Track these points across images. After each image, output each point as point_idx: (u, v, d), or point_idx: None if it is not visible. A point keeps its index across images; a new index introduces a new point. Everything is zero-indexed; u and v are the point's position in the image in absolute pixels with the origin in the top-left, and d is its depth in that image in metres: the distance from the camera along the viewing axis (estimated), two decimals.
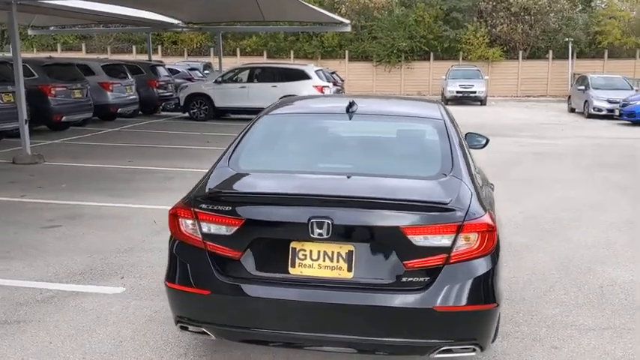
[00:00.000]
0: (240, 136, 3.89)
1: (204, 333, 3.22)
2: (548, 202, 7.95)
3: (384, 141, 4.02)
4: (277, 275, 3.05)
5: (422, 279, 2.93)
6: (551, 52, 33.51)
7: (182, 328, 3.29)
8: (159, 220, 6.89)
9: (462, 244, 2.93)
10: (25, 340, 3.93)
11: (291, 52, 35.38)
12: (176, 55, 36.18)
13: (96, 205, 7.56)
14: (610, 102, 20.95)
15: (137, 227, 6.64)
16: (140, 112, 19.33)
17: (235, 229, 3.06)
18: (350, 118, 3.97)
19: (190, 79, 23.65)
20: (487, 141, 5.32)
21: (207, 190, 3.24)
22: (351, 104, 3.97)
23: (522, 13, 33.54)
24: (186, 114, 19.17)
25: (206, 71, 29.03)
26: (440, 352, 2.97)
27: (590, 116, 21.28)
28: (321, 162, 3.71)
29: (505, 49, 33.89)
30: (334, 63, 32.91)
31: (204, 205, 3.15)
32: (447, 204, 2.98)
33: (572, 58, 32.62)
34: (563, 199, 8.18)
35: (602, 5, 35.44)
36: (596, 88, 22.18)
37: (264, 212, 3.08)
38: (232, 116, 19.48)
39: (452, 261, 2.93)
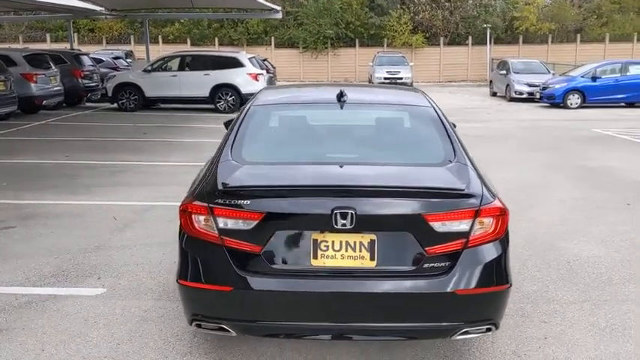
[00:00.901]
0: (236, 127, 3.83)
1: (222, 330, 3.16)
2: (499, 184, 8.28)
3: (382, 129, 4.07)
4: (300, 267, 3.04)
5: (443, 264, 3.01)
6: (470, 38, 34.67)
7: (198, 326, 3.22)
8: (118, 216, 6.69)
9: (478, 229, 3.03)
10: (15, 348, 3.73)
11: (216, 39, 34.76)
12: (94, 44, 34.69)
13: (46, 203, 7.20)
14: (530, 85, 22.01)
15: (97, 225, 6.39)
16: (64, 104, 18.43)
17: (255, 223, 3.02)
18: (341, 108, 4.00)
19: (116, 69, 22.79)
20: (455, 126, 5.48)
21: (221, 185, 3.17)
22: (342, 94, 4.00)
23: (442, 0, 34.47)
24: (115, 105, 18.46)
25: (128, 59, 28.06)
26: (461, 334, 3.08)
27: (512, 99, 22.29)
28: (327, 152, 3.71)
29: (427, 35, 34.76)
30: (260, 50, 32.61)
31: (220, 200, 3.08)
32: (463, 190, 3.08)
33: (490, 43, 33.90)
34: (509, 180, 8.56)
35: None
36: (517, 73, 23.23)
37: (286, 205, 3.05)
38: (162, 106, 18.98)
39: (470, 245, 3.03)
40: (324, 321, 3.05)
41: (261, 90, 4.84)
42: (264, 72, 19.66)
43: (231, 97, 18.50)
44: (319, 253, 3.02)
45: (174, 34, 34.72)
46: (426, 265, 3.00)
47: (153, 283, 4.78)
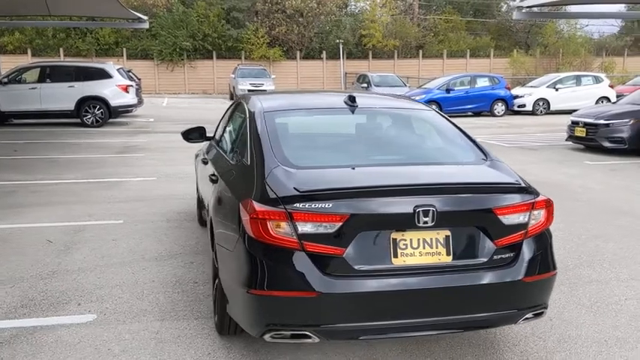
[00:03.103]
0: (258, 134, 3.74)
1: (303, 337, 3.10)
2: None
3: (402, 132, 4.24)
4: (382, 267, 3.09)
5: (508, 255, 3.24)
6: (324, 52, 36.00)
7: (274, 337, 3.12)
8: (51, 237, 6.13)
9: (533, 220, 3.31)
10: None
11: (61, 50, 32.48)
12: None
13: None
14: None
15: (33, 249, 5.79)
16: None
17: (339, 225, 3.02)
18: (352, 112, 4.12)
19: None
20: None
21: (296, 190, 3.11)
22: (353, 99, 4.14)
23: (296, 16, 35.44)
24: None
25: None
26: (524, 319, 3.33)
27: None
28: (369, 155, 3.79)
29: (284, 49, 35.50)
30: (112, 62, 31.06)
31: (299, 205, 3.03)
32: (521, 185, 3.35)
33: (343, 58, 35.52)
34: None
35: (367, 9, 38.91)
36: (377, 85, 24.61)
37: (370, 205, 3.07)
38: (16, 122, 17.40)
39: (528, 235, 3.30)
40: (408, 318, 3.12)
41: (250, 96, 4.75)
42: (133, 83, 18.83)
43: (99, 110, 17.48)
44: (399, 251, 3.10)
45: (13, 44, 31.84)
46: (495, 257, 3.21)
47: (144, 304, 4.47)
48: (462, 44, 38.47)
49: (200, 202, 6.44)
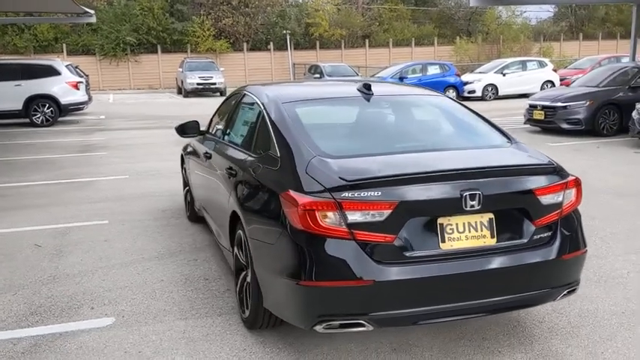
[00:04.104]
0: (280, 125, 3.70)
1: (355, 326, 3.10)
2: None
3: (422, 118, 4.27)
4: (431, 252, 3.11)
5: (547, 234, 3.33)
6: (272, 43, 35.76)
7: (327, 327, 3.11)
8: (37, 241, 5.90)
9: (566, 199, 3.41)
10: None
11: None
12: None
13: None
14: None
15: (24, 254, 5.55)
16: None
17: (389, 213, 3.02)
18: (368, 101, 4.14)
19: None
20: None
21: (341, 179, 3.08)
22: (368, 87, 4.15)
23: (242, 7, 35.03)
24: None
25: None
26: (562, 296, 3.43)
27: None
28: (398, 142, 3.80)
29: (231, 41, 35.04)
30: (43, 58, 29.91)
31: (347, 194, 3.01)
32: (554, 165, 3.44)
33: (291, 49, 35.38)
34: None
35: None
36: (330, 75, 24.68)
37: (419, 191, 3.08)
38: None
39: (563, 215, 3.39)
40: (458, 302, 3.15)
41: (254, 87, 4.67)
42: (83, 80, 18.21)
43: (48, 108, 16.83)
44: (446, 236, 3.13)
45: None
46: (535, 237, 3.29)
47: (160, 303, 4.36)
48: (407, 33, 39.00)
49: (191, 199, 6.32)
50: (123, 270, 5.08)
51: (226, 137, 4.87)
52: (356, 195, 3.02)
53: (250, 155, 4.00)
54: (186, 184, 6.70)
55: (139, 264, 5.23)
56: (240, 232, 3.89)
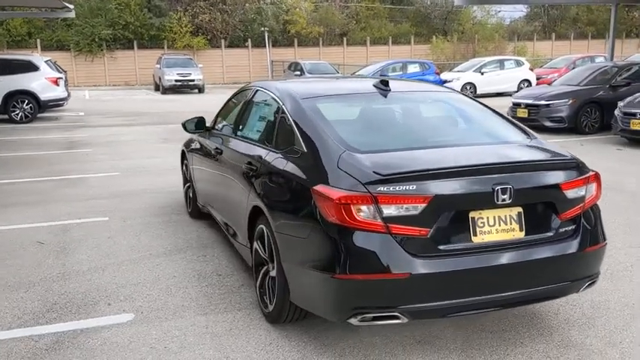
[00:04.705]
0: (309, 122, 3.73)
1: (390, 318, 3.15)
2: None
3: (444, 114, 4.34)
4: (464, 245, 3.18)
5: (571, 228, 3.42)
6: (250, 40, 35.61)
7: (361, 320, 3.15)
8: (39, 239, 5.83)
9: (588, 193, 3.51)
10: None
11: None
12: None
13: None
14: None
15: (28, 252, 5.48)
16: None
17: (423, 206, 3.08)
18: (385, 97, 4.20)
19: None
20: None
21: (375, 173, 3.12)
22: (385, 83, 4.22)
23: (220, 3, 34.82)
24: None
25: None
26: (584, 288, 3.53)
27: None
28: (423, 137, 3.86)
29: (209, 37, 34.80)
30: (21, 53, 29.36)
31: (383, 188, 3.06)
32: (577, 160, 3.54)
33: (269, 46, 35.29)
34: None
35: None
36: (310, 73, 24.71)
37: (452, 186, 3.14)
38: None
39: (585, 208, 3.49)
40: (488, 294, 3.22)
41: (268, 83, 4.69)
42: (63, 75, 17.92)
43: (28, 105, 16.54)
44: (477, 229, 3.20)
45: None
46: (560, 230, 3.38)
47: (176, 299, 4.35)
48: (384, 31, 39.23)
49: (194, 195, 6.30)
50: (133, 266, 5.05)
51: (239, 133, 4.87)
52: (391, 189, 3.07)
53: (271, 151, 4.02)
54: (187, 180, 6.67)
55: (147, 260, 5.20)
56: (262, 226, 3.90)
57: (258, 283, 4.08)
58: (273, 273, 3.78)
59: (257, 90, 4.85)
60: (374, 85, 4.30)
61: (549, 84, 15.66)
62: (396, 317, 3.14)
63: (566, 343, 3.65)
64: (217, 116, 5.80)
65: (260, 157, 4.11)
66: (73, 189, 8.20)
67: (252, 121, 4.83)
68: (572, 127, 12.76)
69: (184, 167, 6.72)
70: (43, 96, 16.74)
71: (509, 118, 4.21)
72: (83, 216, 6.70)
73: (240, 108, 5.12)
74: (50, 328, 3.91)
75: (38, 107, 16.74)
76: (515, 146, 3.75)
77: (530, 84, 23.50)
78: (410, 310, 3.13)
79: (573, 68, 23.51)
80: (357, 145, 3.48)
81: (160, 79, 28.13)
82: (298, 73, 25.07)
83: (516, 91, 21.99)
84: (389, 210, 3.08)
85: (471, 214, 3.21)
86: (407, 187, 3.07)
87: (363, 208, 3.07)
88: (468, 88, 23.49)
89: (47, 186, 8.44)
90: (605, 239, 3.62)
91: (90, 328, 3.91)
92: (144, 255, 5.34)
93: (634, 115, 10.84)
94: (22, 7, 20.90)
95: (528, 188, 3.31)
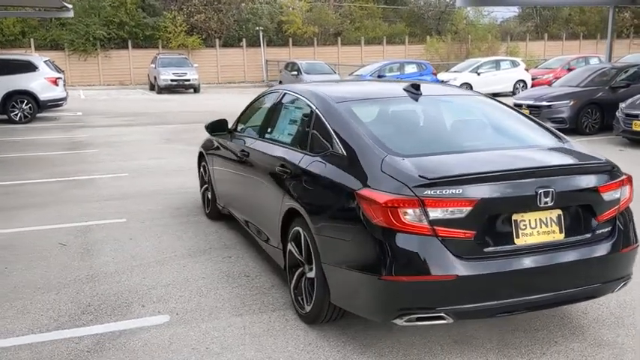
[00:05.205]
0: (347, 126, 3.80)
1: (436, 319, 3.22)
2: None
3: (477, 118, 4.41)
4: (507, 248, 3.25)
5: (607, 229, 3.50)
6: (244, 40, 35.57)
7: (407, 321, 3.21)
8: (62, 240, 5.85)
9: (622, 196, 3.60)
10: None
11: None
12: None
13: None
14: None
15: (52, 253, 5.50)
16: None
17: (469, 209, 3.15)
18: (416, 100, 4.27)
19: None
20: None
21: (421, 177, 3.18)
22: (416, 87, 4.29)
23: (214, 2, 34.75)
24: None
25: None
26: (619, 288, 3.62)
27: None
28: (461, 140, 3.93)
29: (203, 37, 34.72)
30: (19, 53, 29.17)
31: (430, 192, 3.12)
32: (612, 164, 3.62)
33: (264, 45, 35.27)
34: None
35: None
36: (307, 73, 24.73)
37: (497, 189, 3.20)
38: None
39: (619, 210, 3.58)
40: (530, 295, 3.30)
41: (297, 87, 4.75)
42: (62, 75, 17.85)
43: (27, 105, 16.47)
44: (520, 232, 3.28)
45: None
46: (597, 232, 3.46)
47: (209, 300, 4.40)
48: (378, 31, 39.31)
49: (213, 196, 6.34)
50: (160, 268, 5.09)
51: (267, 136, 4.92)
52: (438, 192, 3.14)
53: (307, 154, 4.07)
54: (204, 181, 6.70)
55: (173, 262, 5.24)
56: (298, 228, 3.96)
57: (292, 284, 4.13)
58: (310, 274, 3.83)
59: (285, 93, 4.90)
60: (404, 89, 4.37)
61: (549, 85, 15.81)
62: (442, 318, 3.21)
63: (598, 342, 3.73)
64: (239, 119, 5.84)
65: (294, 160, 4.16)
66: (82, 190, 8.20)
67: (281, 124, 4.88)
68: (573, 127, 12.89)
69: (202, 169, 6.75)
70: (43, 96, 16.67)
71: (538, 120, 4.29)
72: (100, 217, 6.71)
73: (267, 111, 5.17)
74: (89, 330, 3.95)
75: (37, 107, 16.68)
76: (552, 150, 3.82)
77: (525, 84, 23.69)
78: (455, 311, 3.20)
79: (568, 69, 23.85)
80: (396, 148, 3.54)
81: (155, 78, 28.07)
82: (295, 73, 25.08)
83: (512, 92, 22.22)
84: (435, 213, 3.14)
85: (514, 217, 3.28)
86: (454, 191, 3.14)
87: (409, 211, 3.14)
88: (465, 88, 23.62)
89: (56, 187, 8.44)
90: (637, 240, 3.70)
91: (128, 329, 3.95)
92: (169, 256, 5.38)
93: (636, 116, 10.99)
94: (18, 7, 20.70)
95: (568, 191, 3.39)
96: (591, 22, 43.32)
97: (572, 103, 12.92)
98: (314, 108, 4.20)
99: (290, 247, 4.12)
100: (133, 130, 15.04)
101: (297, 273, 4.07)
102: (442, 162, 3.42)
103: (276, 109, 4.98)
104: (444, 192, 3.14)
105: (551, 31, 43.78)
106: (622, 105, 11.52)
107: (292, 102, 4.74)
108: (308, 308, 3.90)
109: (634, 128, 11.01)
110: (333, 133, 3.86)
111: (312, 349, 3.67)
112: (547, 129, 4.16)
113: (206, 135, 6.38)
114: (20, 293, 4.57)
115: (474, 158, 3.53)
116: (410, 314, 3.21)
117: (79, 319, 4.12)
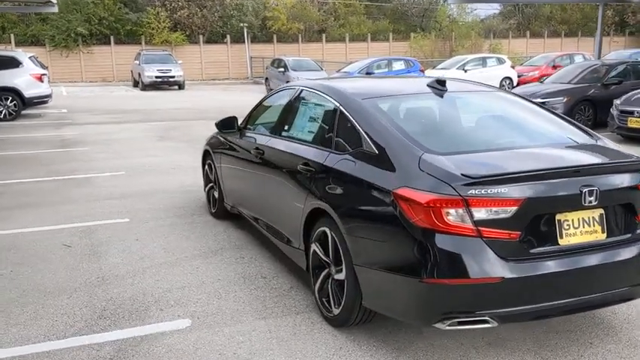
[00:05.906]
0: (378, 124, 3.68)
1: (479, 322, 3.11)
2: None
3: (506, 114, 4.32)
4: (552, 248, 3.16)
5: None
6: (228, 36, 35.25)
7: (451, 325, 3.11)
8: (66, 241, 5.67)
9: None
10: None
11: None
12: None
13: None
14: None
15: (57, 255, 5.31)
16: None
17: (515, 209, 3.05)
18: (442, 97, 4.18)
19: None
20: None
21: (465, 176, 3.08)
22: (441, 83, 4.20)
23: None
24: None
25: None
26: None
27: None
28: (492, 138, 3.84)
29: (187, 33, 34.34)
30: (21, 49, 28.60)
31: (474, 191, 3.02)
32: None
33: (248, 42, 34.99)
34: None
35: None
36: (294, 70, 24.54)
37: (542, 188, 3.11)
38: None
39: None
40: (574, 297, 3.21)
41: (317, 83, 4.62)
42: (47, 71, 17.48)
43: (12, 102, 16.10)
44: (563, 232, 3.19)
45: None
46: (637, 231, 3.39)
47: (229, 303, 4.25)
48: (363, 28, 39.23)
49: (220, 195, 6.19)
50: (171, 269, 4.93)
51: (285, 134, 4.78)
52: (483, 192, 3.03)
53: (332, 152, 3.94)
54: (209, 180, 6.54)
55: (185, 263, 5.09)
56: (324, 229, 3.83)
57: (317, 286, 4.01)
58: (339, 276, 3.71)
59: (302, 90, 4.77)
60: (428, 85, 4.27)
61: (540, 81, 15.84)
62: (486, 322, 3.10)
63: (634, 343, 3.67)
64: (249, 116, 5.70)
65: (318, 158, 4.02)
66: (80, 189, 7.99)
67: (300, 121, 4.74)
68: None
69: (207, 167, 6.58)
70: (28, 93, 16.31)
71: (568, 117, 4.22)
72: (103, 217, 6.52)
73: (282, 108, 5.02)
74: (108, 336, 3.79)
75: (22, 104, 16.31)
76: (589, 147, 3.75)
77: (512, 82, 23.78)
78: (500, 314, 3.10)
79: (553, 66, 24.02)
80: (431, 146, 3.44)
81: (139, 75, 27.68)
82: (282, 70, 24.84)
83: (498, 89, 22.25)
84: (479, 213, 3.04)
85: (558, 217, 3.19)
86: (499, 190, 3.04)
87: (452, 211, 3.03)
88: None
89: (52, 186, 8.21)
90: None
91: (149, 335, 3.80)
92: (179, 257, 5.22)
93: (631, 113, 11.03)
94: (3, 1, 20.21)
95: (611, 190, 3.31)
96: (573, 21, 43.70)
97: (565, 99, 12.96)
98: (337, 105, 4.08)
99: (314, 247, 4.00)
100: (123, 128, 14.77)
101: (322, 275, 3.95)
102: (482, 160, 3.32)
103: (293, 106, 4.84)
104: (489, 191, 3.04)
105: (533, 29, 44.07)
106: (616, 102, 11.56)
107: (311, 99, 4.61)
108: (336, 311, 3.78)
109: (629, 125, 11.05)
110: (361, 130, 3.74)
111: (344, 354, 3.56)
112: (577, 126, 4.09)
113: (201, 132, 6.24)
114: (30, 297, 4.39)
115: (513, 156, 3.44)
116: (452, 318, 3.10)
117: (95, 324, 3.96)
